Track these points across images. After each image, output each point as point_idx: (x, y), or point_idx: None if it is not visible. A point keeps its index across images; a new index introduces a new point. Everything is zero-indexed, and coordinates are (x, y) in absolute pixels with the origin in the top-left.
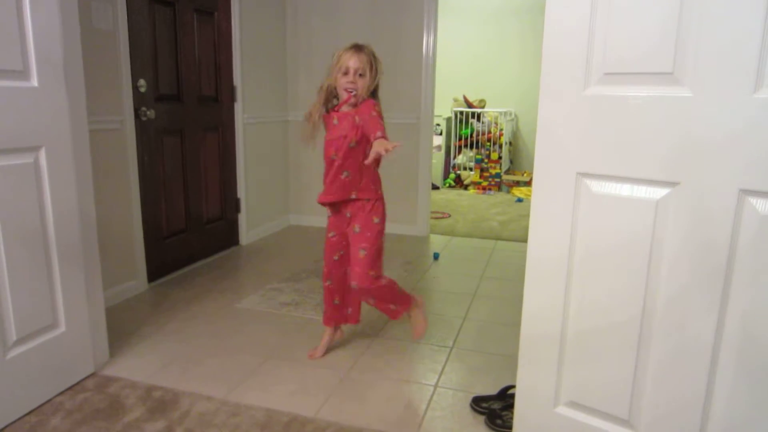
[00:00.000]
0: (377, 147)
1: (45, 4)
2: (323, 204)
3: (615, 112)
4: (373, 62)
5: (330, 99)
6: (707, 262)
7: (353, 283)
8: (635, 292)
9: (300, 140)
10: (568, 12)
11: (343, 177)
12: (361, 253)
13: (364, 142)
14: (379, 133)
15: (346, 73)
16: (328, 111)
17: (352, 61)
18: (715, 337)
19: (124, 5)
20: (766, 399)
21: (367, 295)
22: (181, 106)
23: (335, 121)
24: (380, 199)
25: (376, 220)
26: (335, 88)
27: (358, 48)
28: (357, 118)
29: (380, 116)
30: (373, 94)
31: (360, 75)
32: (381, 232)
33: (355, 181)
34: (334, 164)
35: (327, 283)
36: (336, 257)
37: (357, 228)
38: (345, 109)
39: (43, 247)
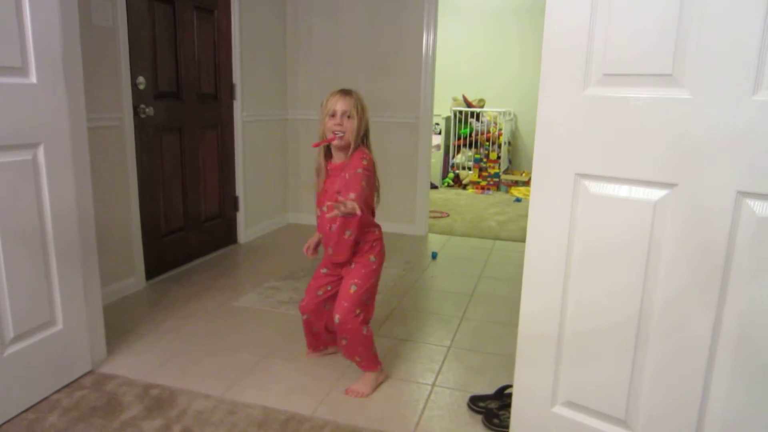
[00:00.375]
0: (343, 207)
1: (44, 1)
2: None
3: (614, 113)
4: (359, 106)
5: (327, 148)
6: (705, 263)
7: (336, 317)
8: (633, 293)
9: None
10: (569, 12)
11: (346, 236)
12: (352, 289)
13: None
14: (352, 195)
15: (333, 116)
16: (326, 159)
17: (339, 104)
18: (713, 337)
19: (123, 2)
20: (763, 399)
21: (344, 333)
22: (180, 104)
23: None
24: (379, 239)
25: (372, 258)
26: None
27: (345, 92)
28: (347, 174)
29: (367, 169)
30: (364, 141)
31: (348, 117)
32: (375, 271)
33: (345, 242)
34: (323, 215)
35: (304, 317)
36: (320, 292)
37: (353, 264)
38: (337, 159)
39: (41, 244)
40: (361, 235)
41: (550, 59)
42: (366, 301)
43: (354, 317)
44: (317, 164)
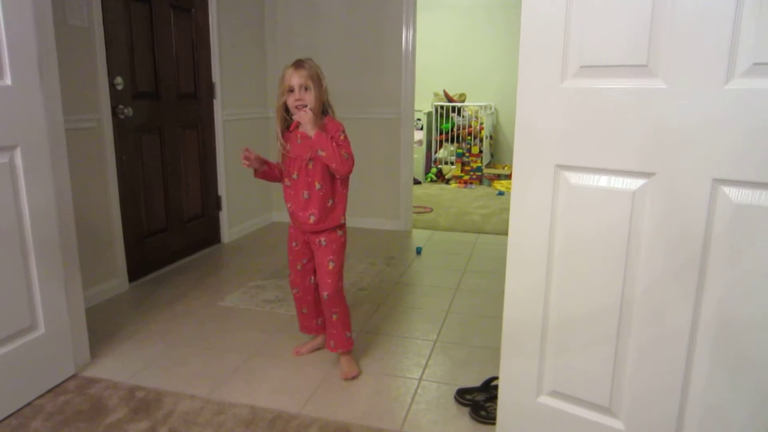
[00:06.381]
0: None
1: (17, 1)
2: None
3: (591, 104)
4: (315, 75)
5: (286, 118)
6: (683, 250)
7: (325, 294)
8: (614, 282)
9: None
10: (545, 5)
11: (304, 197)
12: (330, 265)
13: (319, 160)
14: (346, 155)
15: (291, 91)
16: (289, 129)
17: (295, 78)
18: (692, 324)
19: (98, 1)
20: (742, 383)
21: (334, 307)
22: (160, 104)
23: (299, 140)
24: (343, 225)
25: (339, 233)
26: (288, 109)
27: (298, 64)
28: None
29: (347, 138)
30: (325, 110)
31: (306, 89)
32: (344, 244)
33: (317, 202)
34: (295, 184)
35: (295, 291)
36: (299, 266)
37: (323, 241)
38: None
39: (20, 248)
40: (339, 198)
41: (528, 52)
42: (342, 273)
43: (340, 289)
44: (277, 135)
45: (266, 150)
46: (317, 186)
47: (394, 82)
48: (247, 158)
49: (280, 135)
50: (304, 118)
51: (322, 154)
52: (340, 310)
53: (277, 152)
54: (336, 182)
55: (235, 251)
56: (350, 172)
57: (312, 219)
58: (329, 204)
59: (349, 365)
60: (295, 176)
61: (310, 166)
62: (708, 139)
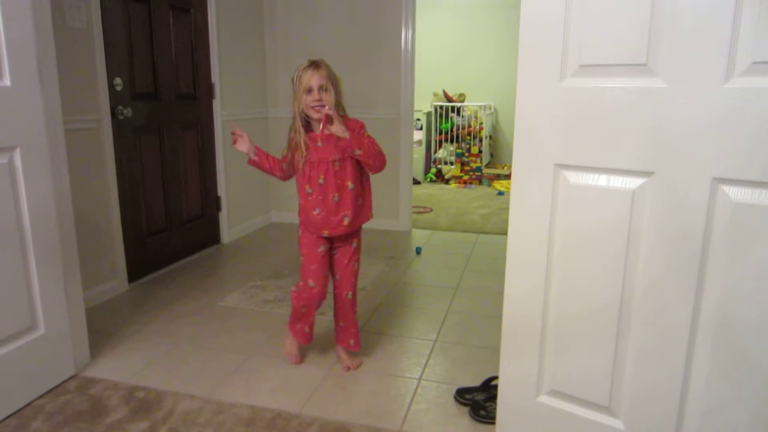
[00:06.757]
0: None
1: (16, 3)
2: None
3: (591, 103)
4: (333, 76)
5: (306, 123)
6: (683, 249)
7: (349, 293)
8: (613, 281)
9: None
10: (544, 5)
11: (334, 200)
12: (356, 265)
13: (348, 159)
14: (379, 148)
15: (310, 92)
16: (307, 132)
17: (315, 79)
18: (692, 322)
19: (97, 3)
20: (741, 381)
21: (354, 306)
22: (159, 104)
23: (319, 143)
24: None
25: (360, 232)
26: (304, 111)
27: (315, 65)
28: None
29: (372, 137)
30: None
31: (325, 90)
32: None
33: (350, 203)
34: (322, 188)
35: (309, 308)
36: (326, 272)
37: (355, 243)
38: (327, 130)
39: (21, 248)
40: (367, 194)
41: (527, 52)
42: None
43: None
44: (295, 139)
45: (266, 149)
46: (350, 186)
47: (394, 82)
48: (234, 135)
49: (306, 139)
50: (337, 116)
51: (358, 152)
52: (356, 308)
53: (280, 156)
54: (363, 179)
55: (235, 251)
56: (385, 166)
57: (346, 221)
58: (359, 202)
59: (353, 358)
60: (321, 180)
61: (337, 167)
62: (707, 138)
